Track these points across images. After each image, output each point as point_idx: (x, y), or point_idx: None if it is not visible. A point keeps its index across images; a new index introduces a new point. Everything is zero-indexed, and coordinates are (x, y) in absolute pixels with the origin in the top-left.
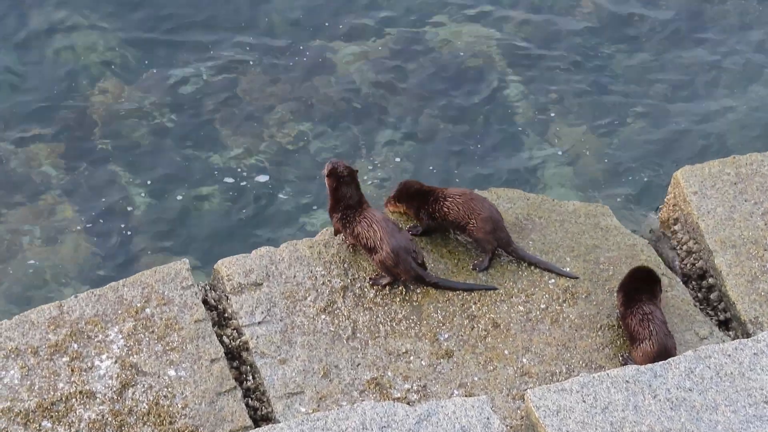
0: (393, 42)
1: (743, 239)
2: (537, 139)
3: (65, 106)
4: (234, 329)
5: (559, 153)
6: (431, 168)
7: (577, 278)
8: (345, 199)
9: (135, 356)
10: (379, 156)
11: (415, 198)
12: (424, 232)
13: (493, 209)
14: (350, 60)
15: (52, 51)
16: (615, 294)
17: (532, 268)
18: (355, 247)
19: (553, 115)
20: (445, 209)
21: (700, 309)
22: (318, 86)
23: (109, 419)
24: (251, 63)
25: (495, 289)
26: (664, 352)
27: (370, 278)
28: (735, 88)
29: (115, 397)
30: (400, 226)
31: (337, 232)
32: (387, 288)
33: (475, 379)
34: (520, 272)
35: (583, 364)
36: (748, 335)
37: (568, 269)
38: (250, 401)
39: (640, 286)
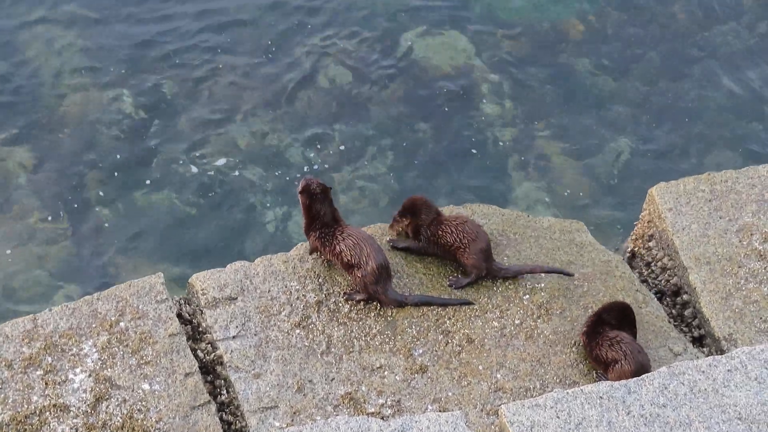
0: (372, 50)
1: (718, 256)
2: (513, 155)
3: (34, 109)
4: (208, 343)
5: (535, 169)
6: (406, 181)
7: (572, 275)
8: (320, 217)
9: (109, 370)
10: (355, 167)
11: (422, 214)
12: (410, 250)
13: (486, 238)
14: (329, 70)
15: (20, 51)
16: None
17: (507, 283)
18: (330, 262)
19: (529, 131)
20: (440, 233)
21: (674, 325)
22: (297, 98)
23: None
24: (223, 68)
25: (471, 303)
26: (641, 369)
27: (344, 293)
28: (709, 107)
29: (89, 411)
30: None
31: (313, 251)
32: (361, 303)
33: (449, 394)
34: (494, 288)
35: (557, 380)
36: (722, 352)
37: (542, 284)
38: (224, 415)
39: (601, 319)
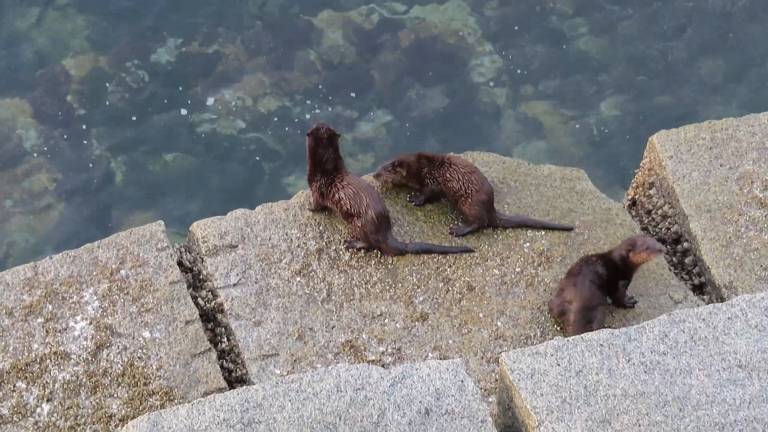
0: (366, 12)
1: (718, 204)
2: (510, 112)
3: (40, 72)
4: (209, 291)
5: (533, 124)
6: (401, 138)
7: (572, 229)
8: (322, 163)
9: (110, 317)
10: (350, 124)
11: (421, 162)
12: (427, 200)
13: (490, 190)
14: (324, 32)
15: (27, 19)
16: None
17: (508, 231)
18: (331, 211)
19: (526, 89)
20: (447, 176)
21: (674, 273)
22: (293, 58)
23: (84, 380)
24: (229, 32)
25: (471, 251)
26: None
27: (345, 241)
28: (710, 55)
29: (90, 358)
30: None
31: (316, 206)
32: (362, 251)
33: (450, 342)
34: (495, 236)
35: (558, 328)
36: (722, 299)
37: (543, 233)
38: (224, 363)
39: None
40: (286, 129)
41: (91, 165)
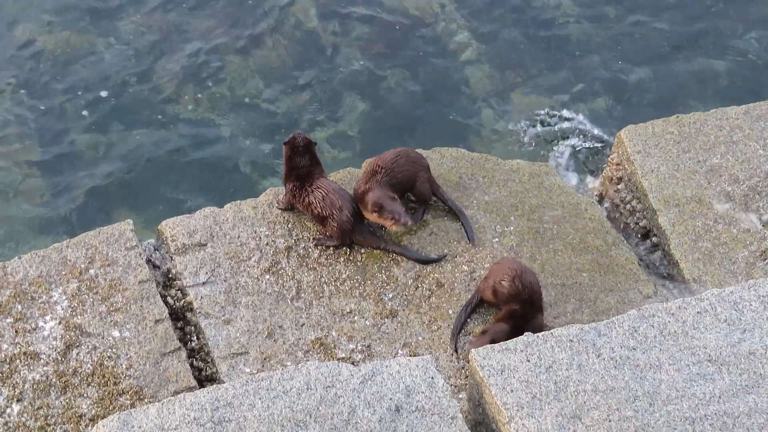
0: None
1: (686, 198)
2: (482, 100)
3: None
4: (178, 290)
5: (504, 113)
6: (377, 126)
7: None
8: (297, 169)
9: (79, 317)
10: (325, 112)
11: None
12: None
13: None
14: (299, 18)
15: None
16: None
17: (477, 227)
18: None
19: (498, 77)
20: (398, 170)
21: (643, 268)
22: (266, 46)
23: (54, 380)
24: (196, 19)
25: (442, 258)
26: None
27: (314, 238)
28: (679, 50)
29: (60, 358)
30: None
31: (286, 205)
32: (331, 248)
33: (420, 338)
34: (462, 232)
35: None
36: (691, 294)
37: (511, 228)
38: (194, 362)
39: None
40: (257, 124)
41: (55, 159)
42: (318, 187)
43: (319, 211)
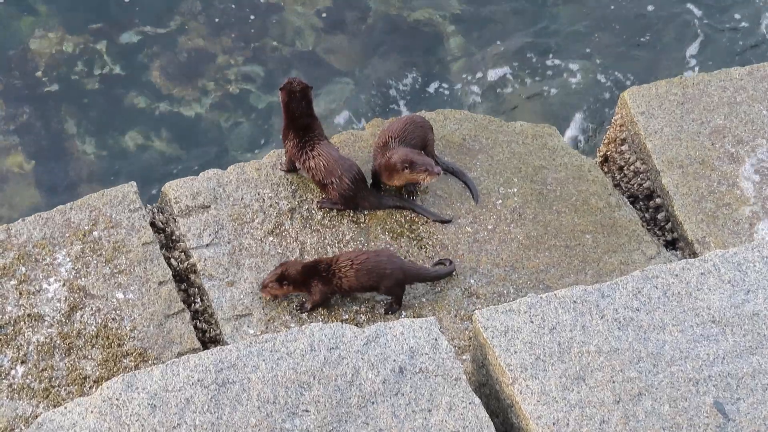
0: None
1: (690, 159)
2: (484, 62)
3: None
4: (182, 252)
5: (507, 74)
6: (374, 95)
7: (449, 221)
8: (296, 119)
9: (83, 279)
10: (324, 86)
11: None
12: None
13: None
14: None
15: None
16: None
17: (480, 189)
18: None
19: (501, 37)
20: (410, 138)
21: (647, 229)
22: (266, 23)
23: (58, 342)
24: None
25: (448, 221)
26: None
27: (317, 201)
28: (682, 9)
29: (64, 320)
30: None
31: (289, 166)
32: (335, 210)
33: (423, 300)
34: (466, 193)
35: (531, 285)
36: (695, 255)
37: (515, 190)
38: (198, 323)
39: None
40: (256, 90)
41: (58, 122)
42: (319, 154)
43: (320, 178)
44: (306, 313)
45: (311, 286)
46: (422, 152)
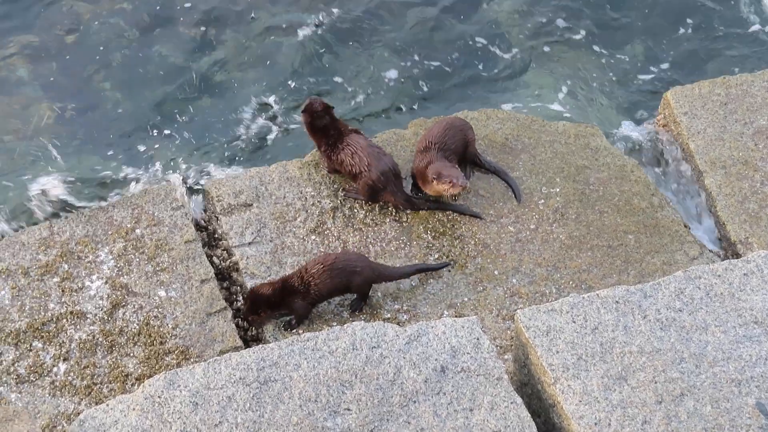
0: None
1: (733, 159)
2: (526, 63)
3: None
4: (224, 250)
5: (550, 74)
6: (415, 88)
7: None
8: (321, 130)
9: (125, 277)
10: (363, 76)
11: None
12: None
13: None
14: None
15: None
16: (600, 213)
17: (522, 188)
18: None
19: (541, 41)
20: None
21: (690, 230)
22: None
23: (100, 339)
24: None
25: (480, 217)
26: None
27: (343, 189)
28: (728, 9)
29: (106, 318)
30: (385, 150)
31: (330, 169)
32: (377, 209)
33: (465, 299)
34: (509, 193)
35: (573, 285)
36: (737, 255)
37: (557, 190)
38: (240, 321)
39: None
40: (300, 85)
41: (104, 121)
42: (347, 145)
43: (350, 169)
44: (296, 326)
45: (291, 304)
46: (456, 165)
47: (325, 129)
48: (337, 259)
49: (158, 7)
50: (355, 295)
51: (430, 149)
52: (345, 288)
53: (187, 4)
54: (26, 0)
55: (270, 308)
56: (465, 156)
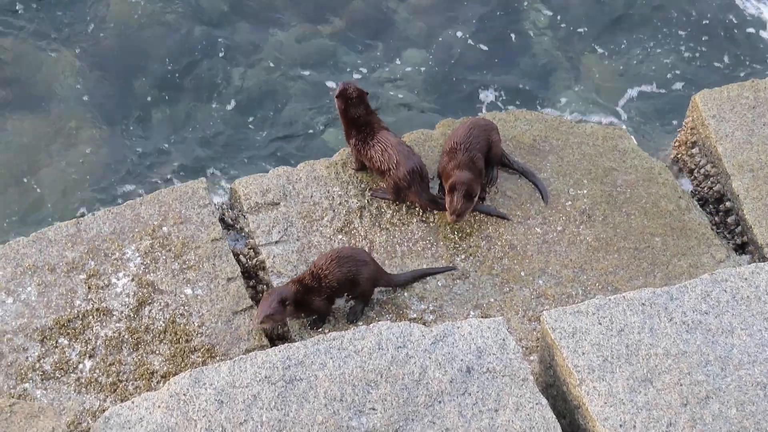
0: None
1: (761, 163)
2: (555, 62)
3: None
4: (251, 248)
5: (577, 76)
6: (447, 85)
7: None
8: (355, 121)
9: (152, 274)
10: (395, 71)
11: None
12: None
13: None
14: None
15: None
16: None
17: (549, 189)
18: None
19: (571, 40)
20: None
21: (717, 233)
22: (335, 5)
23: (126, 337)
24: None
25: (507, 218)
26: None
27: (370, 189)
28: (758, 11)
29: (132, 315)
30: (414, 149)
31: (358, 165)
32: (404, 209)
33: (491, 300)
34: (536, 194)
35: (599, 287)
36: (764, 259)
37: (585, 191)
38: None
39: None
40: (328, 85)
41: (129, 117)
42: (378, 141)
43: (379, 165)
44: (321, 324)
45: (311, 303)
46: (472, 196)
47: (359, 119)
48: (343, 249)
49: (184, 8)
50: (354, 303)
51: (455, 150)
52: (353, 280)
53: (225, 8)
54: None
55: (294, 305)
56: (490, 157)
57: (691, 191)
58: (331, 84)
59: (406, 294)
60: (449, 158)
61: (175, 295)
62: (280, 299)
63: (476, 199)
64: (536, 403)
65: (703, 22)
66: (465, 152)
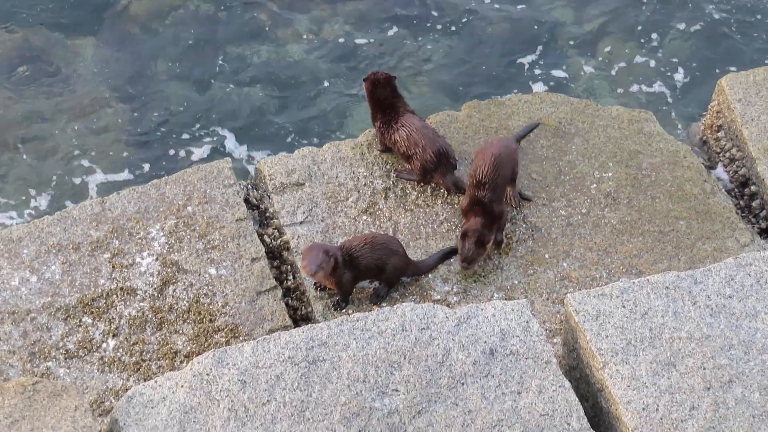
0: None
1: None
2: (580, 45)
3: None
4: (275, 228)
5: (602, 59)
6: (472, 68)
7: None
8: (380, 103)
9: (176, 254)
10: (419, 55)
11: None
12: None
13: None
14: None
15: None
16: (653, 199)
17: (575, 172)
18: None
19: (596, 23)
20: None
21: (741, 216)
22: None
23: (150, 316)
24: None
25: (529, 199)
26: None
27: (395, 170)
28: None
29: (156, 294)
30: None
31: (383, 147)
32: (429, 190)
33: (515, 282)
34: (561, 177)
35: (624, 270)
36: None
37: (609, 174)
38: (290, 301)
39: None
40: (353, 65)
41: (157, 97)
42: (403, 125)
43: (405, 149)
44: (343, 304)
45: (341, 275)
46: (484, 243)
47: (385, 102)
48: (378, 236)
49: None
50: (379, 285)
51: (481, 186)
52: (380, 267)
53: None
54: None
55: (335, 269)
56: (514, 175)
57: (727, 179)
58: (356, 64)
59: (430, 276)
60: (471, 197)
61: (199, 274)
62: (324, 250)
63: (490, 246)
64: (559, 386)
65: (731, 4)
66: (490, 192)
